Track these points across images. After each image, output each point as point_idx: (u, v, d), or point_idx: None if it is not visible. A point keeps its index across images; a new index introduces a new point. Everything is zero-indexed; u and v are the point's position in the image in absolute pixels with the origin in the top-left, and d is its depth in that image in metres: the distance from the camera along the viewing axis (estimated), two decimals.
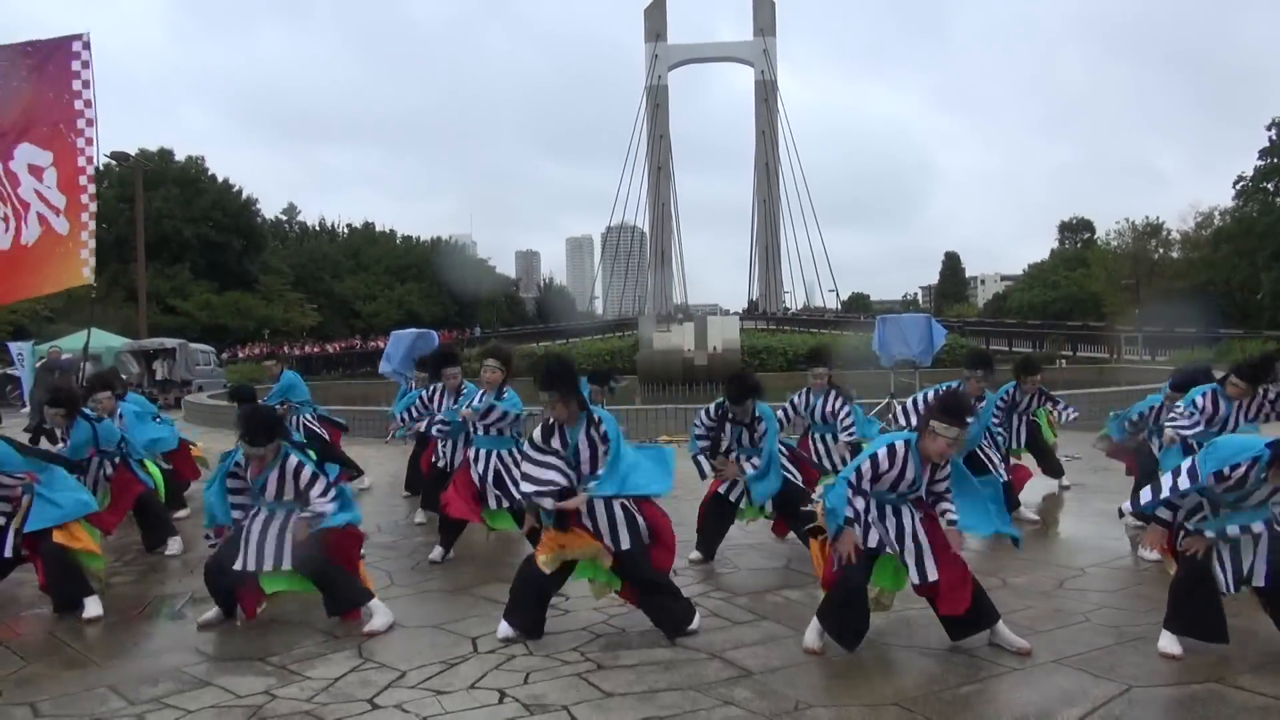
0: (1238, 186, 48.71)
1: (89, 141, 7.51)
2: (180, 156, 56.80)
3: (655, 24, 63.96)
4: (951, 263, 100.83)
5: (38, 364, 19.99)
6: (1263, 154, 46.98)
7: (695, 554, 6.26)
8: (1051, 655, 4.31)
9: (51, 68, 7.48)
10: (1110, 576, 5.71)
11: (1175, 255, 53.68)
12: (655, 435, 13.39)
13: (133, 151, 38.62)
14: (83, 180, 7.49)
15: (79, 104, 7.51)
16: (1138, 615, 4.87)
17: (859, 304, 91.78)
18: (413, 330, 12.07)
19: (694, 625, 4.76)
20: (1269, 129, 46.33)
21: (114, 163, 40.48)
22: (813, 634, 4.47)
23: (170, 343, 28.47)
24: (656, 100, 63.14)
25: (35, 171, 7.38)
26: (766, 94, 62.85)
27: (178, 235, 51.64)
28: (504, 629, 4.73)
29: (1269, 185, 46.94)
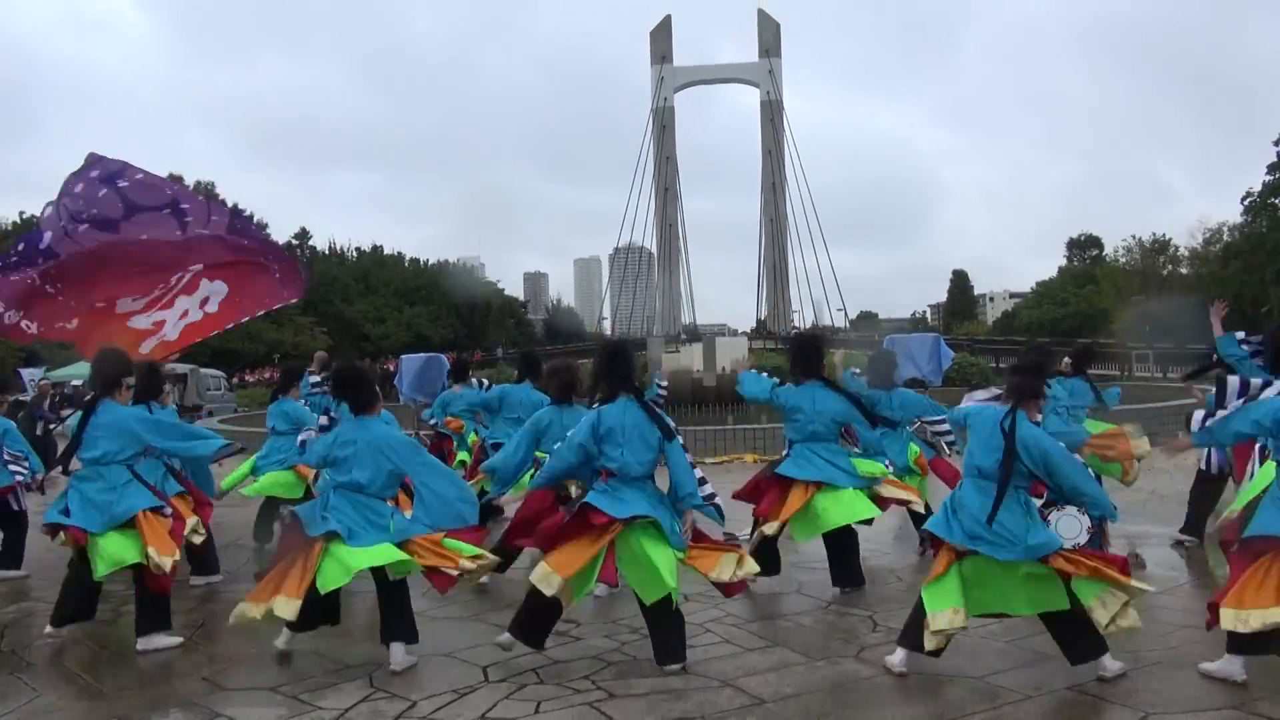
0: (1246, 202, 48.61)
1: (249, 316, 8.48)
2: (190, 181, 57.29)
3: (661, 47, 64.38)
4: (960, 280, 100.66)
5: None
6: (1271, 169, 46.83)
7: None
8: (1066, 682, 4.27)
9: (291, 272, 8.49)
10: None
11: (1184, 271, 53.58)
12: None
13: None
14: (212, 327, 8.25)
15: (282, 293, 8.42)
16: (1155, 641, 4.82)
17: (868, 322, 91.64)
18: (422, 355, 12.10)
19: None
20: (1277, 144, 46.25)
21: None
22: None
23: (181, 368, 28.53)
24: (663, 122, 63.43)
25: (204, 302, 8.16)
26: (772, 114, 63.11)
27: None
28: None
29: (1277, 201, 46.82)
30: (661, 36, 64.69)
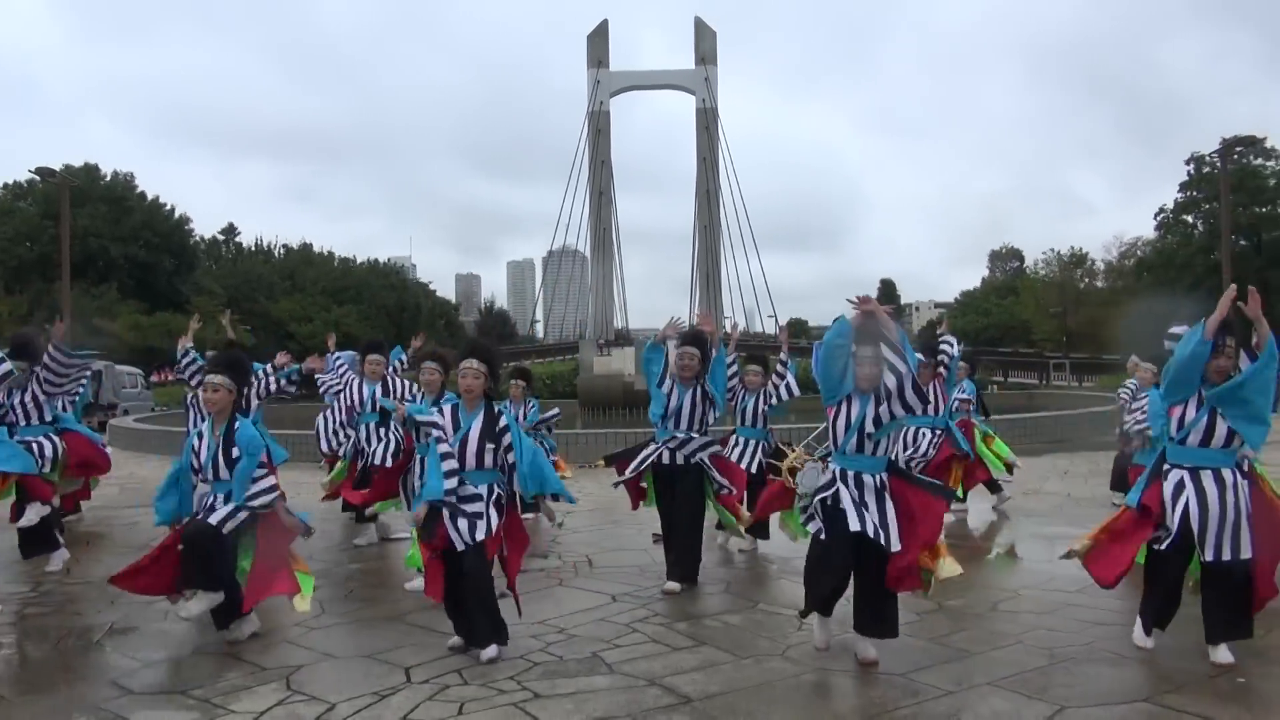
0: (1158, 218, 50.54)
1: None
2: (106, 172, 55.43)
3: (598, 51, 64.27)
4: (888, 289, 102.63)
5: None
6: (1182, 187, 48.80)
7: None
8: (985, 677, 4.35)
9: None
10: (1042, 599, 5.80)
11: (1100, 285, 55.35)
12: (594, 460, 13.30)
13: (57, 166, 37.46)
14: None
15: None
16: (1070, 636, 4.94)
17: (798, 329, 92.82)
18: (351, 352, 11.84)
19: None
20: (1188, 163, 48.20)
21: (38, 179, 39.18)
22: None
23: (96, 364, 27.52)
24: (598, 126, 63.32)
25: None
26: (708, 121, 63.38)
27: (104, 254, 50.23)
28: None
29: (1188, 218, 48.78)
30: (598, 41, 64.59)
